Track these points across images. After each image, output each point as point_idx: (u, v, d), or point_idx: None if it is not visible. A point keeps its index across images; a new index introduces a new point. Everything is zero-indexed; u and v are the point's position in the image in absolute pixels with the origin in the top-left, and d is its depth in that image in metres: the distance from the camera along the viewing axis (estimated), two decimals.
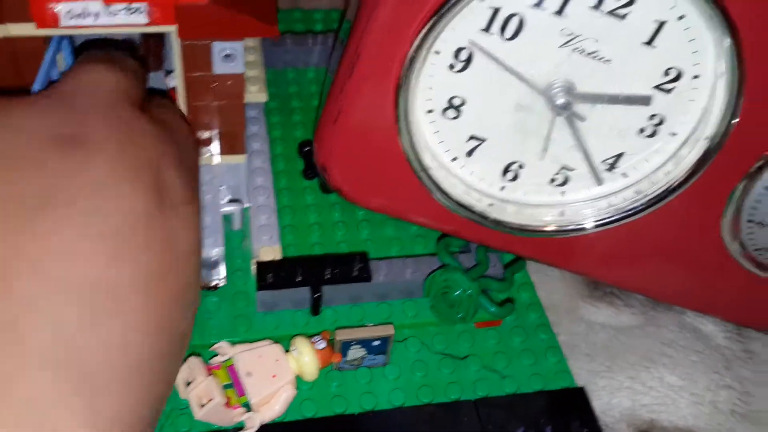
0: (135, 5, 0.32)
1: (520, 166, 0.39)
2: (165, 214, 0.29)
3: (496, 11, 0.33)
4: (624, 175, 0.39)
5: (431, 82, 0.36)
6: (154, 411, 0.29)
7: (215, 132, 0.41)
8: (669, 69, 0.35)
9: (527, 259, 0.46)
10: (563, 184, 0.40)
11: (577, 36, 0.34)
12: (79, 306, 0.25)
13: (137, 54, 0.39)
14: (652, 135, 0.37)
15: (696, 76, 0.35)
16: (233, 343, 0.39)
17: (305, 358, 0.38)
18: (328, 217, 0.48)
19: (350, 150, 0.38)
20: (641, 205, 0.39)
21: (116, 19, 0.33)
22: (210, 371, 0.37)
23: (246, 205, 0.46)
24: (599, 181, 0.39)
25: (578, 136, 0.37)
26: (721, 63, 0.34)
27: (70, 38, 0.37)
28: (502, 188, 0.40)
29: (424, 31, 0.33)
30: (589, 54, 0.34)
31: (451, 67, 0.35)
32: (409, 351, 0.42)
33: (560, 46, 0.34)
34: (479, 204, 0.40)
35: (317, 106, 0.54)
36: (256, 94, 0.41)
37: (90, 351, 0.25)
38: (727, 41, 0.33)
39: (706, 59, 0.34)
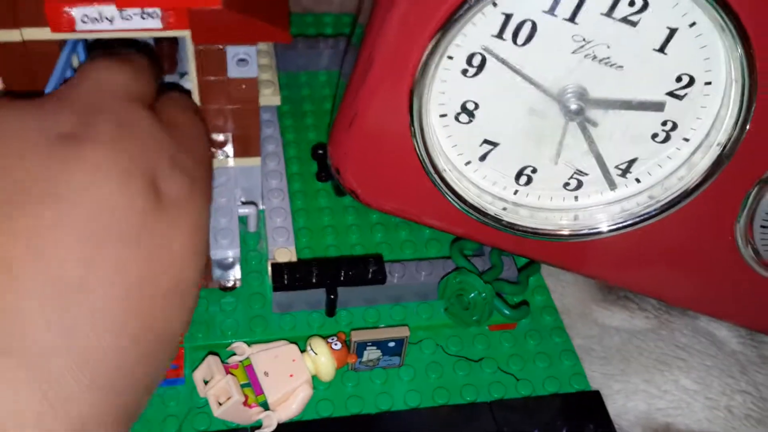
0: (149, 10, 0.33)
1: (533, 171, 0.39)
2: (160, 213, 0.29)
3: (508, 17, 0.33)
4: (637, 180, 0.39)
5: (444, 86, 0.36)
6: (131, 411, 0.29)
7: (229, 135, 0.41)
8: (681, 75, 0.35)
9: (541, 263, 0.46)
10: (576, 188, 0.40)
11: (589, 42, 0.34)
12: (42, 302, 0.26)
13: (151, 53, 0.40)
14: (664, 141, 0.37)
15: (708, 83, 0.35)
16: (249, 343, 0.39)
17: (322, 358, 0.38)
18: (342, 219, 0.48)
19: (364, 153, 0.39)
20: (654, 210, 0.39)
21: (131, 24, 0.33)
22: (228, 370, 0.37)
23: (261, 207, 0.46)
24: (612, 186, 0.39)
25: (591, 142, 0.37)
26: (733, 70, 0.34)
27: (85, 40, 0.38)
28: (516, 192, 0.40)
29: (437, 36, 0.33)
30: (601, 60, 0.34)
31: (465, 72, 0.35)
32: (424, 353, 0.42)
33: (572, 52, 0.34)
34: (493, 207, 0.40)
35: (331, 109, 0.54)
36: (269, 98, 0.42)
37: (54, 349, 0.26)
38: (739, 48, 0.33)
39: (718, 66, 0.34)
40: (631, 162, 0.38)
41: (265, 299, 0.43)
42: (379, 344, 0.40)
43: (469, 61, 0.35)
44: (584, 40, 0.34)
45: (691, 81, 0.35)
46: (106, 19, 0.33)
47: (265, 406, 0.37)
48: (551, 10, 0.33)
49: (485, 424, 0.39)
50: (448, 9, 0.32)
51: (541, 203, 0.40)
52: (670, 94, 0.36)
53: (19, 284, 0.26)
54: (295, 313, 0.43)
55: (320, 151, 0.50)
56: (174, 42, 0.42)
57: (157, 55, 0.41)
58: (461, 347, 0.43)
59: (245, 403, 0.37)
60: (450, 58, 0.35)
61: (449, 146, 0.38)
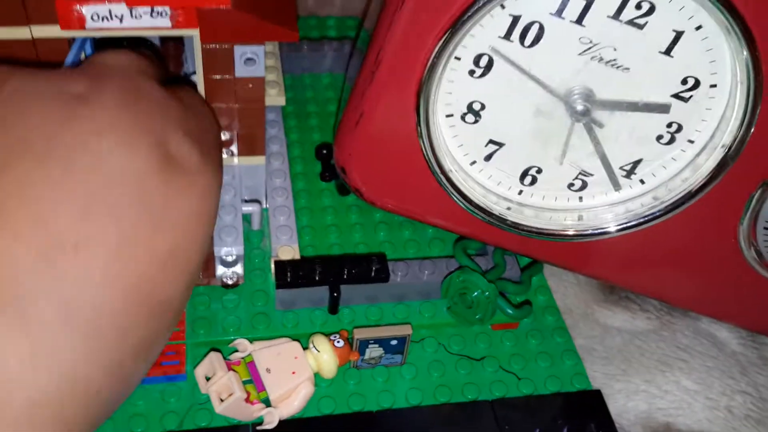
0: (159, 9, 0.33)
1: (538, 171, 0.39)
2: (167, 176, 0.29)
3: (516, 19, 0.33)
4: (641, 181, 0.39)
5: (451, 87, 0.36)
6: (126, 374, 0.29)
7: (235, 133, 0.41)
8: (687, 78, 0.35)
9: (544, 263, 0.46)
10: (581, 189, 0.40)
11: (596, 44, 0.34)
12: (30, 248, 0.26)
13: (157, 53, 0.40)
14: (669, 142, 0.38)
15: (713, 85, 0.35)
16: (252, 340, 0.39)
17: (324, 355, 0.39)
18: (345, 218, 0.49)
19: (370, 152, 0.39)
20: (658, 211, 0.39)
21: (140, 22, 0.33)
22: (230, 367, 0.38)
23: (265, 205, 0.46)
24: (617, 186, 0.40)
25: (597, 143, 0.37)
26: (738, 72, 0.34)
27: (93, 39, 0.37)
28: (520, 192, 0.40)
29: (445, 37, 0.33)
30: (608, 62, 0.34)
31: (472, 72, 0.35)
32: (426, 351, 0.43)
33: (579, 54, 0.34)
34: (497, 207, 0.40)
35: (336, 110, 0.54)
36: (275, 98, 0.42)
37: (42, 294, 0.26)
38: (745, 51, 0.33)
39: (723, 69, 0.35)
40: (636, 163, 0.39)
41: (268, 296, 0.43)
42: (382, 342, 0.40)
43: (477, 61, 0.35)
44: (591, 42, 0.34)
45: (697, 83, 0.35)
46: (116, 17, 0.33)
47: (267, 403, 0.37)
48: (559, 13, 0.33)
49: (487, 423, 0.40)
50: (457, 11, 0.32)
51: (546, 203, 0.40)
52: (676, 96, 0.36)
53: (8, 229, 0.26)
54: (297, 311, 0.43)
55: (324, 151, 0.51)
56: (179, 43, 0.43)
57: (162, 56, 0.41)
58: (463, 346, 0.43)
59: (247, 400, 0.37)
60: (457, 58, 0.35)
61: (455, 146, 0.38)
